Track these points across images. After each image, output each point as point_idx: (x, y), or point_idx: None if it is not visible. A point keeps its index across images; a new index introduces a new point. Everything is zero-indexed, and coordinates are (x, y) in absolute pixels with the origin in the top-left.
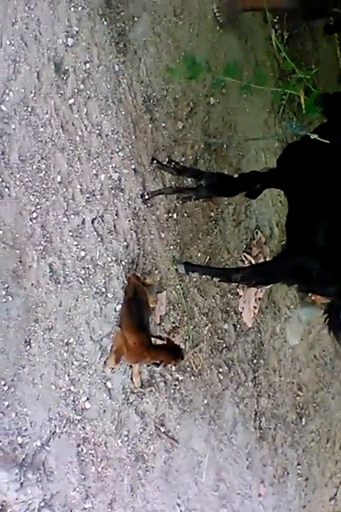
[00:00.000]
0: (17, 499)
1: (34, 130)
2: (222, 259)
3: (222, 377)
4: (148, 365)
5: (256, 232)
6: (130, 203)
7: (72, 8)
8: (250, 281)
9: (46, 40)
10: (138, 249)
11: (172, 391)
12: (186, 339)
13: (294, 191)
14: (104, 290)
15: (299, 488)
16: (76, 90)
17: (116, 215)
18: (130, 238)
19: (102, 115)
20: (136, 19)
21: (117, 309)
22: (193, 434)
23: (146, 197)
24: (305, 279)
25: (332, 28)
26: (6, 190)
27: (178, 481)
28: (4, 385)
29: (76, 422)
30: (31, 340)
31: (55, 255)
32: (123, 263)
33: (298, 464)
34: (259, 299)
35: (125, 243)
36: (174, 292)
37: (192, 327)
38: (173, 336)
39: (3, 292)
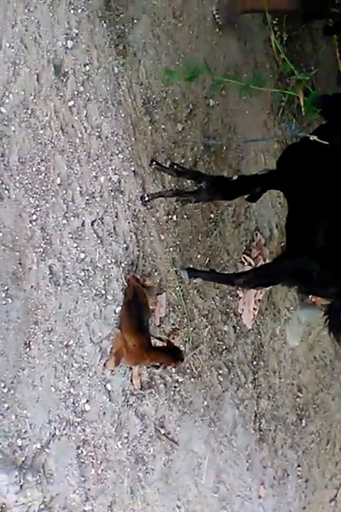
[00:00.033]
0: (17, 502)
1: (34, 132)
2: (221, 261)
3: (221, 379)
4: (148, 367)
5: (256, 234)
6: (130, 205)
7: (72, 11)
8: (252, 285)
9: (46, 42)
10: (138, 251)
11: (172, 393)
12: (186, 341)
13: (294, 193)
14: (103, 292)
15: (299, 489)
16: (76, 92)
17: (116, 217)
18: (130, 240)
19: (102, 117)
20: (135, 21)
21: (117, 311)
22: (193, 436)
23: (146, 199)
24: (305, 280)
25: (332, 30)
26: (6, 192)
27: (178, 483)
28: (4, 387)
29: (76, 424)
30: (31, 343)
31: (55, 257)
32: (122, 265)
33: (298, 466)
34: (259, 300)
35: (125, 245)
36: (174, 294)
37: (191, 329)
38: (173, 338)
39: (3, 294)
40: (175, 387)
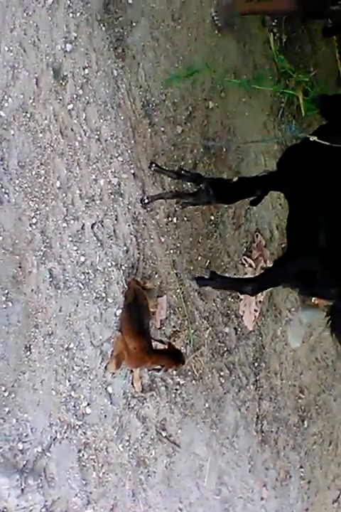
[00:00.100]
0: (18, 505)
1: (33, 136)
2: (222, 263)
3: (223, 381)
4: (149, 370)
5: (256, 235)
6: (129, 207)
7: (71, 14)
8: (259, 292)
9: (45, 46)
10: (138, 253)
11: (174, 395)
12: (187, 343)
13: (294, 193)
14: (104, 295)
15: (302, 491)
16: (75, 96)
17: (116, 219)
18: (130, 243)
19: (101, 120)
20: (134, 24)
21: (117, 314)
22: (195, 438)
23: (146, 201)
24: (308, 282)
25: (331, 31)
26: (6, 196)
27: (180, 486)
28: (5, 391)
29: (77, 427)
30: (31, 346)
31: (55, 261)
32: (123, 268)
33: (301, 467)
34: (260, 302)
35: (125, 248)
36: (174, 296)
37: (192, 331)
38: (174, 340)
39: (3, 298)
40: (176, 389)
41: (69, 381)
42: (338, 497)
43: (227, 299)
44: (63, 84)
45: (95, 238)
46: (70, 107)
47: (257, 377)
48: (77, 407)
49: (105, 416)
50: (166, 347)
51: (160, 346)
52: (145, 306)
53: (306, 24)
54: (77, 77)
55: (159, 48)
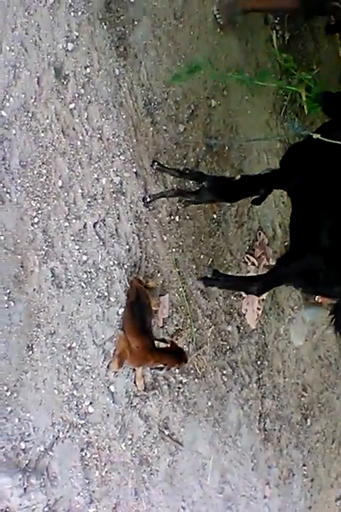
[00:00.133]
0: (21, 505)
1: (35, 135)
2: (224, 261)
3: (225, 379)
4: (152, 369)
5: (259, 234)
6: (132, 206)
7: (72, 13)
8: (265, 292)
9: (46, 45)
10: (141, 252)
11: (176, 394)
12: (189, 342)
13: (298, 192)
14: (106, 294)
15: (305, 489)
16: (76, 95)
17: (118, 218)
18: (132, 241)
19: (103, 119)
20: (136, 23)
21: (120, 313)
22: (197, 437)
23: (148, 200)
24: (311, 280)
25: (334, 28)
26: (7, 195)
27: (183, 484)
28: (7, 391)
29: (79, 426)
30: (33, 346)
31: (57, 260)
32: (125, 266)
33: (304, 465)
34: (262, 300)
35: (127, 246)
36: (177, 295)
37: (195, 329)
38: (176, 339)
39: (5, 297)
40: (178, 388)
41: (71, 380)
42: None
43: (230, 297)
44: (65, 83)
45: (97, 237)
46: (72, 106)
47: (260, 376)
48: (80, 406)
49: (107, 415)
50: (169, 345)
51: (163, 345)
52: (147, 304)
53: (309, 22)
54: (79, 76)
55: (161, 47)
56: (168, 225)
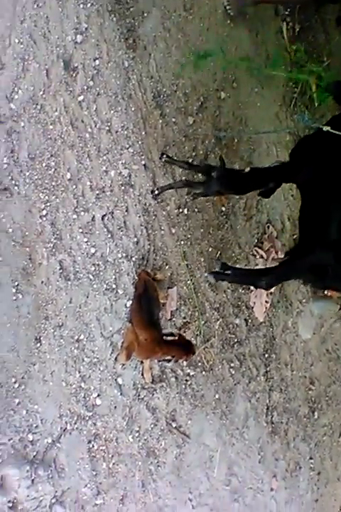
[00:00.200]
0: (28, 496)
1: (43, 128)
2: (233, 254)
3: (233, 372)
4: (159, 361)
5: (268, 227)
6: (140, 198)
7: (81, 5)
8: (274, 286)
9: (55, 37)
10: (149, 244)
11: (184, 386)
12: (197, 334)
13: (307, 184)
14: (114, 286)
15: (311, 482)
16: (85, 87)
17: (127, 211)
18: (140, 234)
19: (112, 111)
20: (145, 15)
21: (128, 305)
22: (205, 429)
23: (156, 192)
24: (320, 274)
25: None
26: (16, 188)
27: (190, 476)
28: (15, 383)
29: (87, 418)
30: (41, 338)
31: (65, 252)
32: (133, 259)
33: (311, 458)
34: (271, 293)
35: (135, 239)
36: (185, 287)
37: (203, 322)
38: (184, 332)
39: (14, 290)
40: (186, 380)
41: (79, 372)
42: None
43: (238, 290)
44: (73, 75)
45: (105, 230)
46: (81, 98)
47: (267, 369)
48: (87, 398)
49: (115, 407)
50: (176, 338)
51: (171, 337)
52: (155, 297)
53: (320, 13)
54: (88, 68)
55: (170, 39)
56: (177, 218)
